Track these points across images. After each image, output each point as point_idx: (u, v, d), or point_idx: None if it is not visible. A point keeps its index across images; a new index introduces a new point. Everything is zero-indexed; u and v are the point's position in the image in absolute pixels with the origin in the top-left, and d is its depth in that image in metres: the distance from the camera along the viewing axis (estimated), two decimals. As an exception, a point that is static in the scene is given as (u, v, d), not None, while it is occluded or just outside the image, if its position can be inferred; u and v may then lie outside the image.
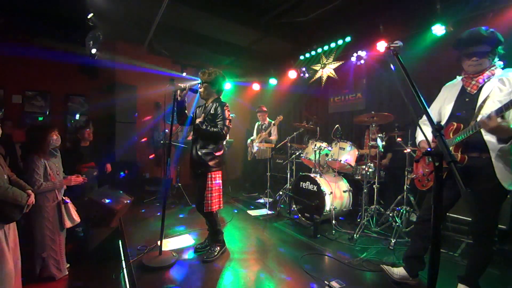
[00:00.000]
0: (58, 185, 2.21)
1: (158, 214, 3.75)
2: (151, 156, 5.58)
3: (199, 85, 2.58)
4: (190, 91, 2.53)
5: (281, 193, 4.27)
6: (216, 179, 2.52)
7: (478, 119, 1.63)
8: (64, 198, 2.29)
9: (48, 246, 2.15)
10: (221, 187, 2.60)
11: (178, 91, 2.50)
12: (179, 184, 4.69)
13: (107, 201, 2.82)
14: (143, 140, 5.51)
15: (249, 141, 4.97)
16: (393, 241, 2.74)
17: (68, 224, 2.27)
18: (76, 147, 3.39)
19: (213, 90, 2.56)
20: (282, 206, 4.07)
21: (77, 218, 2.34)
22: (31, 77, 4.47)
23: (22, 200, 1.75)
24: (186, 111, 2.64)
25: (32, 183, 2.04)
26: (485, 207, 1.68)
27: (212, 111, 2.48)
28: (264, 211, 4.01)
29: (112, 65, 5.06)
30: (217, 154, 2.50)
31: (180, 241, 2.89)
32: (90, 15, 3.50)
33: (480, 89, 1.73)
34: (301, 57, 5.11)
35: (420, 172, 2.07)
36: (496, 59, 1.73)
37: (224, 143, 3.12)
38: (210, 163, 2.46)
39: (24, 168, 2.11)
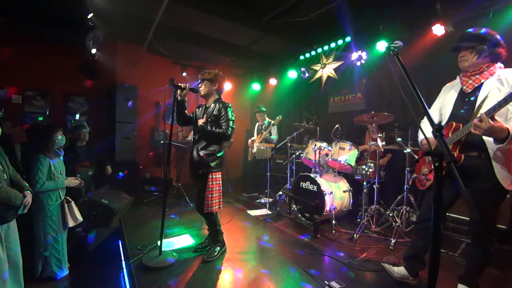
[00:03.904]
0: (59, 185, 2.24)
1: (158, 214, 3.75)
2: (150, 154, 5.60)
3: (199, 84, 2.58)
4: (190, 91, 2.53)
5: (281, 193, 4.27)
6: (217, 180, 2.52)
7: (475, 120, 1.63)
8: (66, 197, 2.30)
9: (50, 245, 2.16)
10: (221, 188, 2.60)
11: (178, 91, 2.49)
12: (179, 184, 4.69)
13: (107, 201, 2.82)
14: (143, 140, 5.51)
15: (249, 141, 4.96)
16: (393, 241, 2.74)
17: (71, 223, 2.27)
18: (72, 146, 3.38)
19: (213, 88, 2.56)
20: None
21: (80, 218, 2.35)
22: (31, 77, 4.46)
23: (16, 200, 1.74)
24: (186, 111, 2.64)
25: (35, 181, 2.06)
26: (484, 207, 1.68)
27: (215, 112, 2.47)
28: (264, 211, 4.01)
29: (112, 65, 5.06)
30: (218, 154, 2.51)
31: (180, 241, 2.89)
32: (90, 15, 3.50)
33: (477, 88, 1.74)
34: (301, 57, 5.11)
35: (423, 171, 2.07)
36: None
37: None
38: (212, 164, 2.46)
39: (27, 167, 2.13)
